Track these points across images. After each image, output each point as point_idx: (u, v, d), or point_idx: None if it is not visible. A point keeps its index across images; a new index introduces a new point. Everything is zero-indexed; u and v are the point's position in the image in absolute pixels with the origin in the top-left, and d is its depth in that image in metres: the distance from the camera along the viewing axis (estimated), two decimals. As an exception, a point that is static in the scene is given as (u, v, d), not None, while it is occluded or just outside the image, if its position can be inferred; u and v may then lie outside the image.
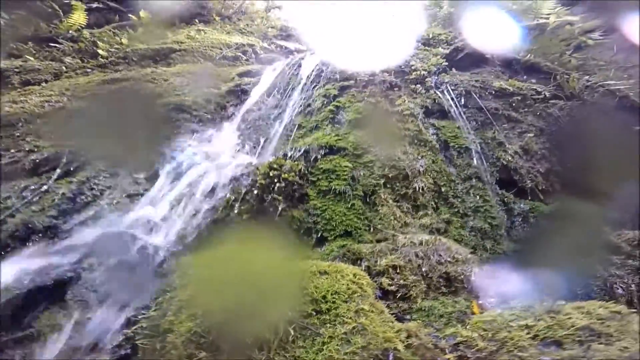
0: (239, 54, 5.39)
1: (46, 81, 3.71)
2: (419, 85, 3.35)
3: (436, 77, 3.58)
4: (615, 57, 4.71)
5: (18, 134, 2.33)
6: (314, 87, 3.62)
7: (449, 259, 1.57)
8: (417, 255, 1.57)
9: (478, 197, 2.65)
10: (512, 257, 2.47)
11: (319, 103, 3.18)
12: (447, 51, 4.22)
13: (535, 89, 3.67)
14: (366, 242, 1.93)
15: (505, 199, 2.77)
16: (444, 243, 1.69)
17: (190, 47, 4.85)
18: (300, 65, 4.25)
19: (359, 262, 1.66)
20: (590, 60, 4.58)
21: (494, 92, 3.51)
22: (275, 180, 2.01)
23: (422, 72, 3.51)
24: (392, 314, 1.33)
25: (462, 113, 3.21)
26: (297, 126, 2.96)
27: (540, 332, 1.09)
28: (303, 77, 3.86)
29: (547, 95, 3.60)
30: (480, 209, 2.58)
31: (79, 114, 2.53)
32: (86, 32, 4.36)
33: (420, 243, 1.69)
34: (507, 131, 3.25)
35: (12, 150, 2.16)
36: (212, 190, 2.04)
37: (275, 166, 2.08)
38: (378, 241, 2.00)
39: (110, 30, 4.60)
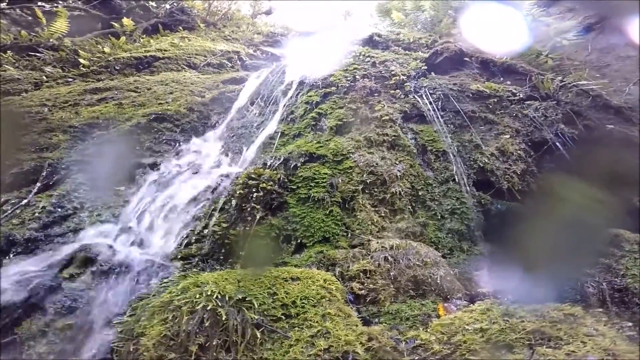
0: (224, 61, 5.44)
1: (26, 91, 3.71)
2: (398, 90, 3.45)
3: (415, 82, 3.68)
4: (590, 57, 4.91)
5: None
6: (298, 94, 3.70)
7: (417, 263, 1.65)
8: (386, 260, 1.64)
9: (455, 199, 2.74)
10: (488, 257, 2.56)
11: (301, 110, 3.26)
12: (427, 55, 4.35)
13: (512, 91, 3.81)
14: (343, 248, 2.00)
15: (482, 200, 2.87)
16: (413, 247, 1.77)
17: (174, 55, 4.89)
18: (284, 72, 4.33)
19: (333, 267, 1.73)
20: (566, 60, 4.76)
21: (471, 95, 3.62)
22: (254, 190, 2.06)
23: (402, 77, 3.61)
24: (361, 317, 1.39)
25: (439, 117, 3.32)
26: (279, 134, 3.03)
27: (493, 336, 1.15)
28: (286, 84, 3.93)
29: (523, 97, 3.75)
30: (457, 211, 2.67)
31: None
32: (67, 41, 4.36)
33: (391, 247, 1.77)
34: (483, 133, 3.36)
35: None
36: (193, 200, 2.08)
37: (253, 175, 2.14)
38: (353, 246, 2.06)
39: (92, 39, 4.60)
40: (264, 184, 2.07)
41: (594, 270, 2.24)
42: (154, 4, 5.45)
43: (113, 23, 4.95)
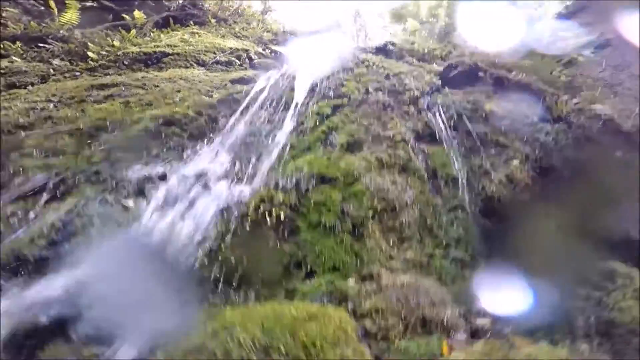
0: (233, 58, 5.39)
1: (32, 84, 3.66)
2: (411, 107, 3.42)
3: (429, 97, 3.65)
4: (603, 74, 4.86)
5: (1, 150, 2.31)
6: (308, 102, 3.67)
7: (426, 302, 1.66)
8: (398, 299, 1.65)
9: (461, 228, 2.73)
10: (488, 285, 2.58)
11: (312, 122, 3.23)
12: (441, 68, 4.32)
13: (525, 112, 3.77)
14: (352, 277, 2.00)
15: (487, 228, 2.87)
16: (423, 286, 1.78)
17: (183, 51, 4.83)
18: (294, 77, 4.28)
19: (345, 302, 1.73)
20: (579, 76, 4.72)
21: (484, 115, 3.59)
22: (267, 214, 2.05)
23: (416, 93, 3.58)
24: (371, 353, 1.41)
25: (452, 137, 3.30)
26: (289, 146, 3.00)
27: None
28: (297, 91, 3.89)
29: (536, 120, 3.71)
30: (462, 240, 2.65)
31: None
32: (77, 32, 4.29)
33: (402, 285, 1.78)
34: (494, 157, 3.33)
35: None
36: (202, 218, 2.07)
37: (266, 199, 2.13)
38: (363, 278, 2.06)
39: (102, 31, 4.53)
40: (277, 210, 2.05)
41: (585, 303, 2.27)
42: (166, -3, 5.38)
43: (124, 15, 4.87)
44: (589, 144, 3.57)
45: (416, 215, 2.61)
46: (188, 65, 4.79)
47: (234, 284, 1.83)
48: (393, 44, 4.73)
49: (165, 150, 2.74)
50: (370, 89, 3.54)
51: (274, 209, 2.07)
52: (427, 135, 3.28)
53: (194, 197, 2.22)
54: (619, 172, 3.42)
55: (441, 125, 3.33)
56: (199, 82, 4.58)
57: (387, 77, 3.79)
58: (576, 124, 3.73)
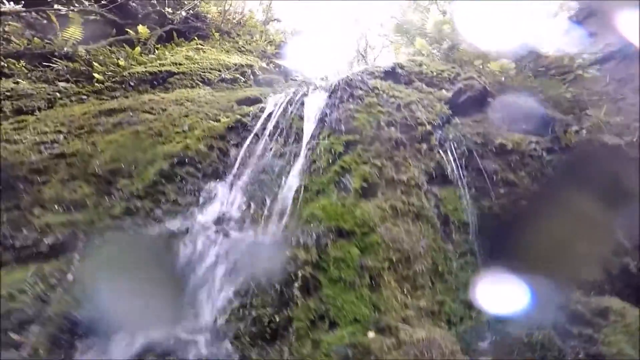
0: (238, 75, 5.36)
1: (39, 109, 3.62)
2: (423, 144, 3.47)
3: (441, 131, 3.70)
4: (607, 88, 4.91)
5: (22, 203, 2.32)
6: (318, 134, 3.70)
7: (439, 357, 1.80)
8: (415, 355, 1.77)
9: (470, 271, 2.85)
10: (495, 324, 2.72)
11: (324, 161, 3.26)
12: (451, 94, 4.36)
13: (533, 143, 3.82)
14: (371, 330, 2.11)
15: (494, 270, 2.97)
16: (437, 341, 1.90)
17: (188, 70, 4.79)
18: (302, 103, 4.29)
19: (368, 356, 1.85)
20: (584, 93, 4.77)
21: (494, 150, 3.65)
22: (293, 277, 2.15)
23: (427, 127, 3.62)
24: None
25: (463, 176, 3.37)
26: (303, 187, 3.05)
27: None
28: (306, 121, 3.91)
29: (544, 154, 3.78)
30: (470, 283, 2.77)
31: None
32: (82, 49, 4.22)
33: (418, 340, 1.90)
34: (503, 198, 3.42)
35: (25, 231, 2.17)
36: (230, 274, 2.15)
37: (291, 258, 2.21)
38: (381, 330, 2.16)
39: (106, 47, 4.46)
40: (303, 271, 2.14)
41: (576, 341, 2.42)
42: (170, 10, 5.27)
43: (128, 30, 4.79)
44: (597, 175, 3.63)
45: (429, 263, 2.72)
46: (194, 84, 4.76)
47: (268, 340, 1.92)
48: (401, 67, 4.73)
49: (181, 194, 2.76)
50: (382, 123, 3.57)
51: (299, 271, 2.14)
52: (439, 176, 3.34)
53: (219, 252, 2.28)
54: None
55: (452, 164, 3.40)
56: (206, 103, 4.57)
57: (398, 108, 3.82)
58: (584, 153, 3.81)
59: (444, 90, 4.44)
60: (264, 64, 5.82)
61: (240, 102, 4.93)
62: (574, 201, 3.37)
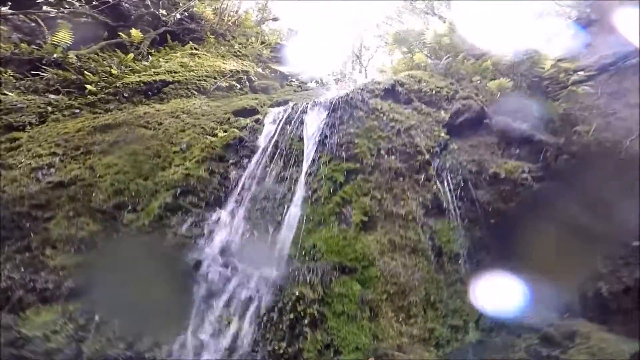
0: (234, 82, 5.31)
1: (31, 124, 3.52)
2: (422, 174, 3.60)
3: (438, 160, 3.83)
4: (598, 102, 5.06)
5: (32, 243, 2.34)
6: (319, 158, 3.76)
7: None
8: None
9: (459, 299, 3.07)
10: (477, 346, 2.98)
11: (325, 190, 3.35)
12: (449, 115, 4.47)
13: (525, 171, 3.99)
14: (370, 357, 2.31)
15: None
16: None
17: (183, 79, 4.70)
18: (302, 122, 4.32)
19: None
20: (576, 105, 4.92)
21: (488, 179, 3.82)
22: (302, 314, 2.37)
23: (426, 156, 3.73)
24: None
25: (457, 208, 3.53)
26: (305, 217, 3.15)
27: None
28: (306, 143, 3.95)
29: (534, 184, 3.97)
30: (458, 310, 3.00)
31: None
32: (72, 55, 4.06)
33: None
34: (493, 229, 3.61)
35: (43, 274, 2.22)
36: (245, 308, 2.30)
37: (299, 296, 2.41)
38: (379, 357, 2.40)
39: (98, 54, 4.30)
40: (311, 309, 2.36)
41: None
42: (164, 12, 5.09)
43: (120, 33, 4.61)
44: (585, 201, 3.85)
45: (422, 294, 2.92)
46: (189, 94, 4.69)
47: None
48: (401, 84, 4.79)
49: (187, 226, 2.83)
50: (382, 151, 3.67)
51: (308, 310, 2.36)
52: (435, 208, 3.49)
53: (231, 290, 2.41)
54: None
55: (448, 195, 3.55)
56: (202, 115, 4.54)
57: (398, 133, 3.91)
58: (573, 181, 4.02)
59: (442, 112, 4.53)
60: (259, 69, 5.76)
61: (237, 114, 4.90)
62: (558, 230, 3.60)
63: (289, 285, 2.53)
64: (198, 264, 2.58)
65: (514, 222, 3.78)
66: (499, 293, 3.30)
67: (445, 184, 3.62)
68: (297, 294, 2.48)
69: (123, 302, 2.17)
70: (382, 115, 4.15)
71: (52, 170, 3.01)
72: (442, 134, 4.11)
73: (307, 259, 2.78)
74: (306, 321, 2.36)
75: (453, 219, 3.42)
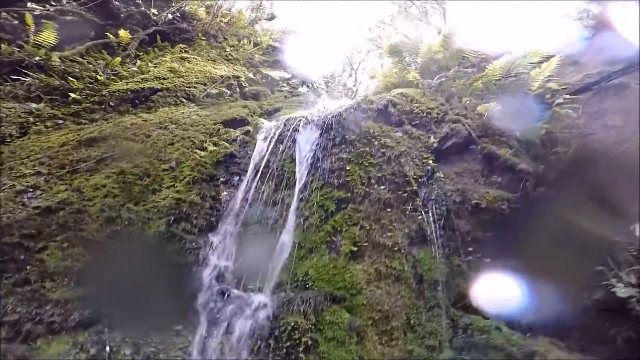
0: (224, 89, 5.26)
1: (11, 136, 3.40)
2: (409, 205, 3.78)
3: (425, 189, 4.02)
4: (578, 121, 5.32)
5: (30, 276, 2.37)
6: (311, 182, 3.87)
7: None
8: None
9: (435, 322, 3.35)
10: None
11: (316, 218, 3.49)
12: (437, 140, 4.65)
13: (505, 201, 4.26)
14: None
15: (454, 315, 3.48)
16: None
17: (172, 86, 4.61)
18: (295, 140, 4.37)
19: None
20: (558, 124, 5.18)
21: (470, 208, 4.06)
22: (297, 342, 2.57)
23: (414, 186, 3.91)
24: None
25: (439, 237, 3.76)
26: (296, 245, 3.29)
27: None
28: (298, 166, 4.03)
29: (511, 214, 4.26)
30: (434, 332, 3.29)
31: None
32: (56, 58, 3.87)
33: None
34: (471, 255, 3.88)
35: (48, 308, 2.28)
36: (244, 336, 2.45)
37: (295, 328, 2.59)
38: None
39: (84, 56, 4.13)
40: (306, 338, 2.57)
41: None
42: (155, 11, 4.90)
43: (108, 33, 4.41)
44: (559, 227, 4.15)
45: (403, 319, 3.19)
46: (178, 102, 4.63)
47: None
48: (394, 104, 4.90)
49: (181, 253, 2.91)
50: (372, 180, 3.81)
51: (303, 338, 2.58)
52: (419, 237, 3.70)
53: (229, 317, 2.55)
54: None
55: (432, 225, 3.76)
56: (191, 126, 4.51)
57: (389, 160, 4.05)
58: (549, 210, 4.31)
59: (431, 136, 4.70)
60: (250, 74, 5.71)
61: (227, 124, 4.89)
62: (527, 259, 3.91)
63: (285, 314, 2.72)
64: (195, 294, 2.68)
65: (490, 251, 4.09)
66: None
67: (430, 214, 3.82)
68: (292, 323, 2.67)
69: (130, 332, 2.26)
70: (373, 140, 4.27)
71: (38, 192, 2.96)
72: (430, 162, 4.28)
73: (299, 286, 2.98)
74: (301, 348, 2.57)
75: (434, 247, 3.64)
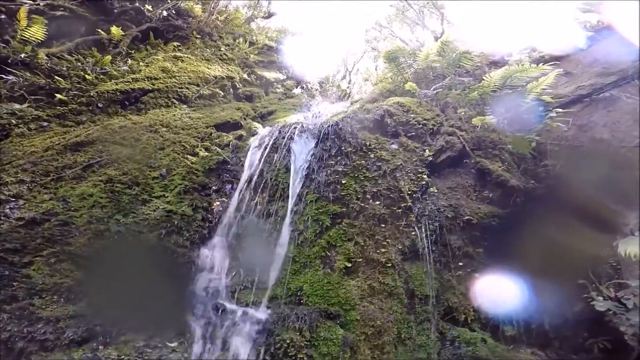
0: (217, 90, 5.18)
1: (-9, 138, 3.26)
2: (402, 221, 3.82)
3: (419, 205, 4.07)
4: (567, 134, 5.44)
5: (18, 293, 2.32)
6: (305, 194, 3.87)
7: None
8: None
9: (425, 336, 3.46)
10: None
11: (310, 232, 3.50)
12: (432, 154, 4.70)
13: (494, 223, 4.35)
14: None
15: (442, 329, 3.60)
16: None
17: (164, 87, 4.51)
18: (289, 150, 4.35)
19: None
20: (549, 137, 5.28)
21: (462, 224, 4.15)
22: (293, 358, 2.63)
23: (408, 202, 3.95)
24: None
25: (431, 252, 3.83)
26: (291, 259, 3.30)
27: None
28: (292, 177, 4.02)
29: (500, 230, 4.37)
30: (424, 345, 3.41)
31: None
32: (42, 55, 3.72)
33: None
34: (461, 270, 3.97)
35: (40, 326, 2.24)
36: (240, 353, 2.46)
37: (290, 344, 2.64)
38: None
39: (72, 53, 3.98)
40: (302, 355, 2.63)
41: None
42: (149, 7, 4.75)
43: (99, 30, 4.25)
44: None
45: (395, 333, 3.27)
46: (169, 103, 4.53)
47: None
48: (390, 115, 4.92)
49: (175, 266, 2.88)
50: (368, 195, 3.83)
51: (298, 355, 2.64)
52: (412, 253, 3.76)
53: (225, 333, 2.58)
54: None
55: (425, 241, 3.82)
56: (182, 129, 4.43)
57: (384, 175, 4.08)
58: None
59: (426, 149, 4.74)
60: (245, 75, 5.64)
61: (219, 127, 4.83)
62: (514, 273, 4.02)
63: (280, 331, 2.76)
64: (189, 310, 2.67)
65: (481, 266, 4.20)
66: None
67: (423, 229, 3.88)
68: (287, 340, 2.71)
69: (125, 349, 2.24)
70: (369, 152, 4.29)
71: (21, 202, 2.87)
72: (425, 176, 4.33)
73: (294, 302, 3.05)
74: (296, 361, 2.61)
75: (426, 263, 3.70)
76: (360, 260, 3.42)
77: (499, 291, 3.95)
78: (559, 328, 4.21)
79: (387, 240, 3.62)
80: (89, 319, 2.42)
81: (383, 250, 3.53)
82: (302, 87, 7.00)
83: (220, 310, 2.83)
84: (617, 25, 5.43)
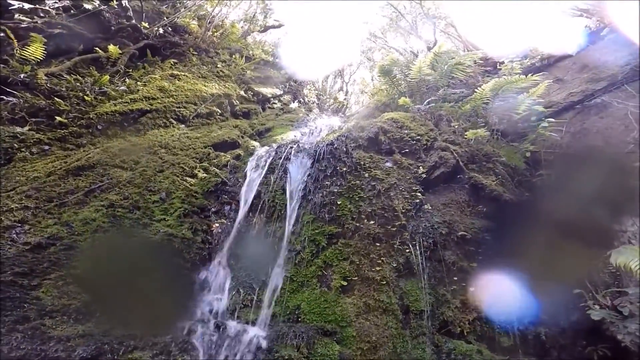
0: (214, 108, 5.35)
1: (-5, 163, 3.40)
2: (397, 239, 4.02)
3: (413, 223, 4.26)
4: (562, 141, 5.62)
5: (29, 314, 2.48)
6: (302, 215, 4.05)
7: None
8: None
9: (420, 349, 3.65)
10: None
11: (307, 252, 3.69)
12: (425, 170, 4.90)
13: (487, 237, 4.55)
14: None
15: (438, 342, 3.78)
16: None
17: (162, 106, 4.68)
18: (286, 170, 4.54)
19: None
20: (543, 147, 5.47)
21: (456, 239, 4.35)
22: None
23: (402, 221, 4.14)
24: None
25: (425, 267, 4.02)
26: (288, 279, 3.48)
27: None
28: (289, 199, 4.21)
29: (494, 243, 4.58)
30: (419, 358, 3.55)
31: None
32: (42, 75, 3.86)
33: None
34: (456, 285, 4.16)
35: (51, 344, 2.38)
36: None
37: (288, 359, 2.82)
38: None
39: (71, 72, 4.12)
40: None
41: None
42: (146, 24, 4.91)
43: (96, 48, 4.40)
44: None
45: (390, 348, 3.45)
46: (167, 123, 4.70)
47: None
48: (385, 132, 5.13)
49: (176, 284, 3.05)
50: (363, 215, 4.03)
51: None
52: (406, 269, 3.95)
53: (227, 352, 2.77)
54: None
55: (419, 257, 4.02)
56: (181, 150, 4.60)
57: (378, 195, 4.28)
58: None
59: (420, 166, 4.94)
60: (242, 92, 5.82)
61: (217, 147, 5.01)
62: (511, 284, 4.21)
63: (279, 347, 2.94)
64: (191, 331, 2.84)
65: (476, 280, 4.40)
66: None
67: (418, 247, 4.08)
68: (286, 357, 2.90)
69: None
70: (364, 172, 4.49)
71: (26, 227, 3.02)
72: (419, 194, 4.54)
73: (292, 319, 3.22)
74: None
75: (421, 279, 3.90)
76: (356, 278, 3.61)
77: (494, 302, 4.15)
78: (556, 337, 4.39)
79: (382, 258, 3.81)
80: (97, 337, 2.58)
81: (378, 268, 3.72)
82: (299, 101, 7.20)
83: (221, 328, 3.00)
84: (618, 25, 5.59)
